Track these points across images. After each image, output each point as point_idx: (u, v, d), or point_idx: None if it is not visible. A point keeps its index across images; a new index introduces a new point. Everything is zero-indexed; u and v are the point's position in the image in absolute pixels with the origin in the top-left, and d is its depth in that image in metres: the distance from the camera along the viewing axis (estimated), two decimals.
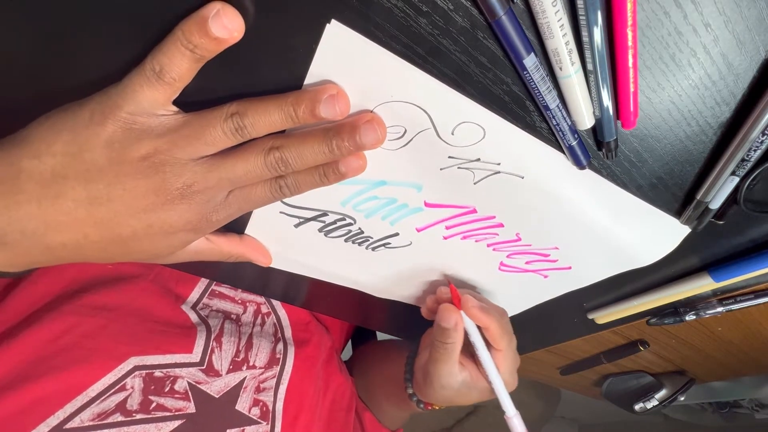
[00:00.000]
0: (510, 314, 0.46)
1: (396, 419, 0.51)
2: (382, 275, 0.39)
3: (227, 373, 0.35)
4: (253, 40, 0.19)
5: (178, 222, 0.23)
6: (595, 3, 0.19)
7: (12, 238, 0.21)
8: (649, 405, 0.66)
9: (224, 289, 0.41)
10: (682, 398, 0.65)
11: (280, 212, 0.30)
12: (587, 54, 0.20)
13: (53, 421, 0.27)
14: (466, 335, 0.36)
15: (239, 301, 0.41)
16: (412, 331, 0.43)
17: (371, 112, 0.23)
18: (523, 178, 0.27)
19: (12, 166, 0.20)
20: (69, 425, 0.27)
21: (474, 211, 0.31)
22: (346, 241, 0.33)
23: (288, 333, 0.43)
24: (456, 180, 0.27)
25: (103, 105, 0.20)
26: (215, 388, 0.34)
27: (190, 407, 0.32)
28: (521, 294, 0.42)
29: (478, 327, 0.35)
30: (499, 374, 0.36)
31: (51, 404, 0.27)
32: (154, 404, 0.30)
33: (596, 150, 0.26)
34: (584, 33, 0.20)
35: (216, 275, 0.38)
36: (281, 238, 0.32)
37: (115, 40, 0.20)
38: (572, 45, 0.20)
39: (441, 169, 0.27)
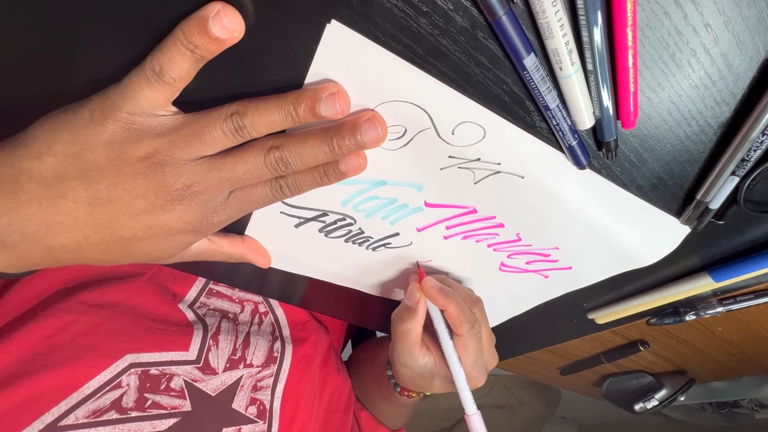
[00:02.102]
0: (511, 315, 0.46)
1: (394, 417, 0.50)
2: (382, 275, 0.39)
3: (224, 371, 0.35)
4: (253, 40, 0.19)
5: (178, 223, 0.23)
6: (595, 3, 0.19)
7: (12, 239, 0.21)
8: (649, 405, 0.66)
9: (221, 288, 0.41)
10: (682, 398, 0.65)
11: (281, 212, 0.30)
12: (587, 54, 0.20)
13: (48, 418, 0.27)
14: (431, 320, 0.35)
15: (236, 300, 0.41)
16: None
17: (372, 110, 0.23)
18: (523, 177, 0.27)
19: (13, 167, 0.20)
20: (64, 422, 0.27)
21: (474, 211, 0.31)
22: (346, 241, 0.33)
23: (285, 332, 0.43)
24: (456, 180, 0.27)
25: (103, 105, 0.20)
26: (212, 386, 0.34)
27: (186, 405, 0.32)
28: (522, 294, 0.42)
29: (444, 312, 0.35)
30: (460, 365, 0.34)
31: (46, 401, 0.27)
32: (149, 402, 0.30)
33: (596, 150, 0.26)
34: (584, 33, 0.20)
35: (213, 274, 0.38)
36: (281, 238, 0.32)
37: (115, 40, 0.20)
38: (572, 45, 0.20)
39: (441, 169, 0.27)
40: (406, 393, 0.43)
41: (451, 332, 0.35)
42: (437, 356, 0.36)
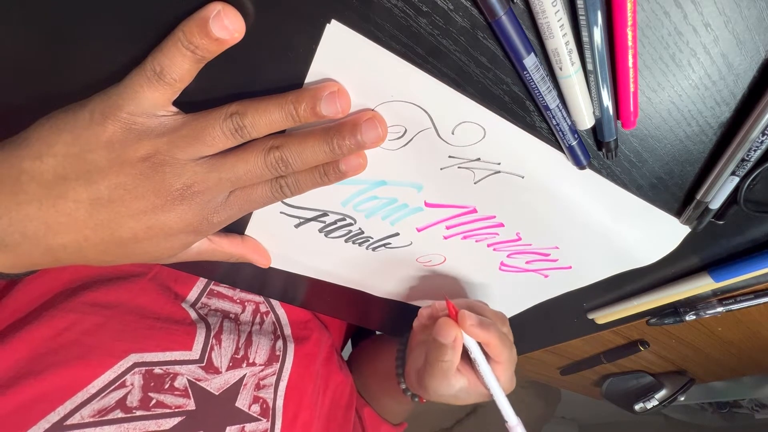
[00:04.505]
0: (510, 314, 0.46)
1: (397, 413, 0.51)
2: (382, 275, 0.39)
3: (227, 370, 0.35)
4: (253, 40, 0.19)
5: (178, 223, 0.23)
6: (595, 3, 0.19)
7: (13, 239, 0.21)
8: (649, 405, 0.66)
9: (222, 289, 0.41)
10: (682, 398, 0.65)
11: (281, 213, 0.30)
12: (587, 54, 0.20)
13: (54, 417, 0.27)
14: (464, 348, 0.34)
15: (238, 301, 0.41)
16: (410, 331, 0.43)
17: (372, 110, 0.23)
18: (523, 177, 0.27)
19: (13, 167, 0.20)
20: (69, 421, 0.27)
21: (474, 210, 0.31)
22: (346, 241, 0.33)
23: (287, 331, 0.43)
24: (456, 180, 0.27)
25: (103, 105, 0.20)
26: (215, 385, 0.34)
27: (190, 404, 0.32)
28: (522, 294, 0.42)
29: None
30: (499, 385, 0.35)
31: (51, 401, 0.27)
32: (153, 401, 0.31)
33: (596, 150, 0.26)
34: (584, 33, 0.20)
35: (215, 275, 0.38)
36: (282, 238, 0.32)
37: (116, 40, 0.20)
38: (572, 45, 0.20)
39: (441, 169, 0.27)
40: (424, 400, 0.42)
41: (487, 356, 0.34)
42: (470, 376, 0.36)
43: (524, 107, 0.23)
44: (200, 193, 0.22)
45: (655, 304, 0.41)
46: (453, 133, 0.24)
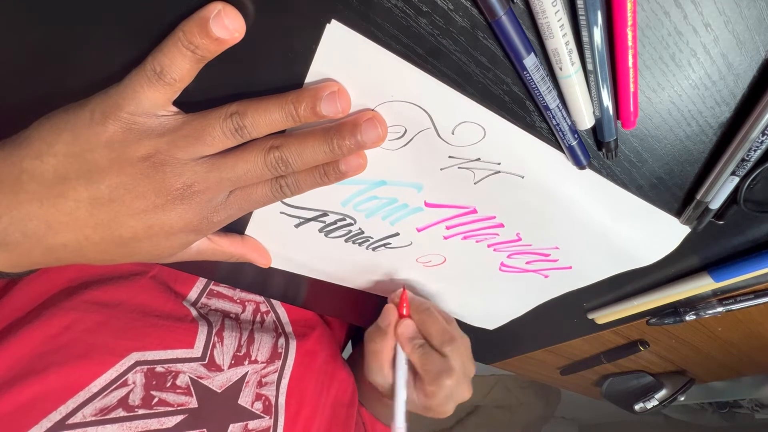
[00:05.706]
0: (512, 317, 0.46)
1: (387, 418, 0.51)
2: (383, 275, 0.39)
3: (229, 367, 0.35)
4: (253, 40, 0.19)
5: (178, 223, 0.23)
6: (595, 3, 0.19)
7: (13, 238, 0.21)
8: (649, 405, 0.66)
9: (222, 289, 0.41)
10: (682, 398, 0.65)
11: (281, 212, 0.30)
12: (587, 54, 0.20)
13: (55, 416, 0.27)
14: None
15: (238, 301, 0.41)
16: None
17: (372, 110, 0.23)
18: (523, 177, 0.27)
19: (14, 166, 0.20)
20: (71, 420, 0.27)
21: (474, 211, 0.31)
22: (346, 241, 0.33)
23: (288, 328, 0.43)
24: (456, 180, 0.27)
25: (103, 105, 0.20)
26: (217, 382, 0.34)
27: (192, 402, 0.32)
28: (522, 294, 0.42)
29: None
30: (405, 386, 0.36)
31: (53, 400, 0.27)
32: (156, 399, 0.31)
33: (596, 150, 0.26)
34: (584, 33, 0.20)
35: (216, 275, 0.38)
36: (281, 238, 0.32)
37: (115, 40, 0.20)
38: (572, 45, 0.20)
39: (441, 169, 0.27)
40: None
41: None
42: (410, 376, 0.37)
43: (524, 107, 0.23)
44: (200, 192, 0.22)
45: (655, 304, 0.41)
46: (453, 133, 0.24)
